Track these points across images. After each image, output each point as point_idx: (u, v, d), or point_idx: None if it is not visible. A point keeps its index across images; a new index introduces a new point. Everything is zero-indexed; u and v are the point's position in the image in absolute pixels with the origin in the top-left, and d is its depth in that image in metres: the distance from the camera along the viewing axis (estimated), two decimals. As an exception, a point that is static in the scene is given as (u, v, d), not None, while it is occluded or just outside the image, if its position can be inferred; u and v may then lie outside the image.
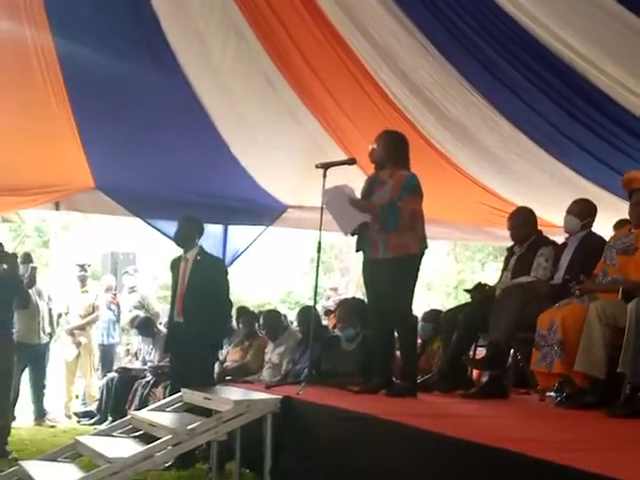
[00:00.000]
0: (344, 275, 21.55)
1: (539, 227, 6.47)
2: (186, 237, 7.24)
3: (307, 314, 7.25)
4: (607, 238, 5.74)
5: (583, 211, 6.02)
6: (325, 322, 9.52)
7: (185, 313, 7.05)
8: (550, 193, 8.28)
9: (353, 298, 7.54)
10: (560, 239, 6.26)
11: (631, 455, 3.58)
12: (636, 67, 5.94)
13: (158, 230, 9.54)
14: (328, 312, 10.65)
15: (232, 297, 7.52)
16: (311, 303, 6.56)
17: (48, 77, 7.74)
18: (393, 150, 5.84)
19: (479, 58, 6.64)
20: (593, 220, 6.04)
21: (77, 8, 7.27)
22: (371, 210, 5.73)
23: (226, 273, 7.32)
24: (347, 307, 7.08)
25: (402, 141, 5.93)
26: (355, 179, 6.15)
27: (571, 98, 6.61)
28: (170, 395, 6.86)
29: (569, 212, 6.04)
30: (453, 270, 22.82)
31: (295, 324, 8.44)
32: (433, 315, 7.43)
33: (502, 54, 6.44)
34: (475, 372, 6.77)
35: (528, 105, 6.97)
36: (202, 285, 7.01)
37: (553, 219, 7.88)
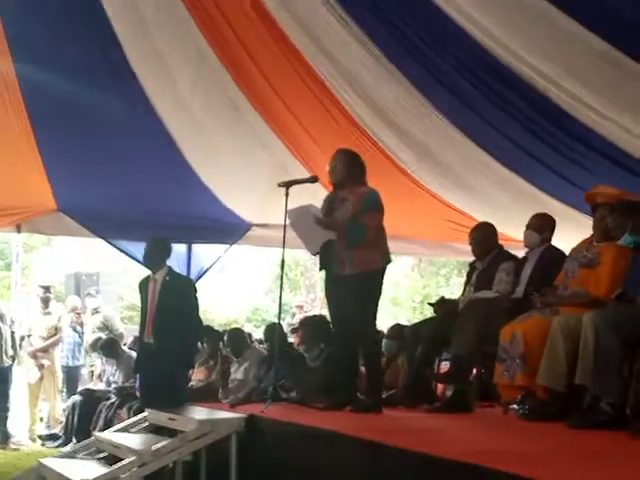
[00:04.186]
0: (310, 292, 21.56)
1: (500, 242, 6.56)
2: (154, 258, 7.22)
3: (273, 331, 7.25)
4: (567, 251, 5.82)
5: (542, 225, 6.09)
6: (291, 339, 9.52)
7: (155, 334, 7.00)
8: (510, 208, 8.37)
9: (314, 316, 7.55)
10: (521, 253, 6.33)
11: (592, 466, 3.63)
12: (596, 84, 6.02)
13: (121, 251, 9.51)
14: (294, 330, 10.66)
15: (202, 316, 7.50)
16: (276, 321, 6.58)
17: (9, 99, 7.71)
18: (353, 169, 5.90)
19: (441, 79, 6.70)
20: (552, 234, 6.11)
21: (37, 32, 7.24)
22: (336, 228, 5.77)
23: (195, 292, 7.30)
24: (310, 327, 7.08)
25: (359, 159, 6.01)
26: (317, 197, 6.18)
27: (531, 116, 6.68)
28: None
29: (528, 227, 6.12)
30: (418, 285, 22.91)
31: (262, 341, 8.44)
32: (397, 331, 7.46)
33: (463, 74, 6.49)
34: (439, 386, 6.82)
35: (489, 123, 7.05)
36: (172, 305, 6.97)
37: (514, 234, 7.96)
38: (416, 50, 6.51)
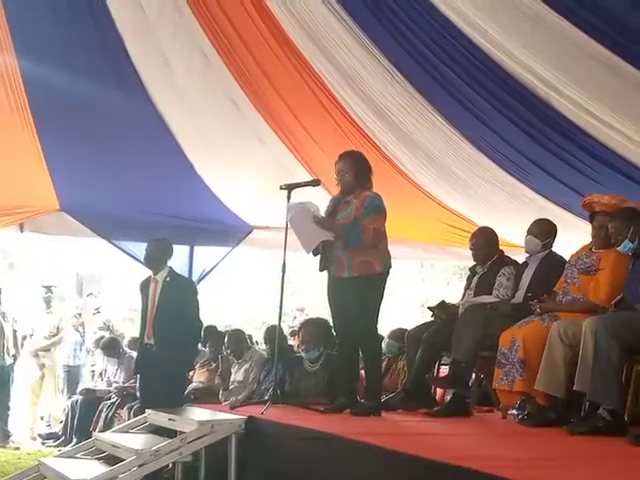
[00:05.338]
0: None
1: (501, 247, 6.57)
2: (156, 259, 7.22)
3: (273, 333, 7.26)
4: (568, 258, 5.83)
5: (543, 231, 6.09)
6: (291, 342, 9.54)
7: (155, 335, 7.01)
8: (511, 213, 8.38)
9: (317, 318, 7.56)
10: (522, 259, 6.34)
11: (591, 472, 3.65)
12: (598, 92, 6.04)
13: (124, 251, 9.51)
14: (294, 332, 10.67)
15: (203, 318, 7.48)
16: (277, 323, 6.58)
17: (12, 97, 7.72)
18: (362, 175, 5.90)
19: (442, 83, 6.70)
20: (553, 240, 6.11)
21: (42, 29, 7.26)
22: (334, 229, 5.77)
23: (196, 294, 7.30)
24: (311, 328, 7.09)
25: (367, 163, 5.99)
26: (319, 200, 6.19)
27: (533, 122, 6.70)
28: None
29: (529, 232, 6.11)
30: (419, 288, 22.90)
31: (261, 344, 8.45)
32: (399, 333, 7.47)
33: (465, 79, 6.50)
34: (439, 390, 6.84)
35: (490, 128, 7.05)
36: (172, 306, 6.98)
37: (515, 239, 7.97)
38: (417, 53, 6.53)
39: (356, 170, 5.88)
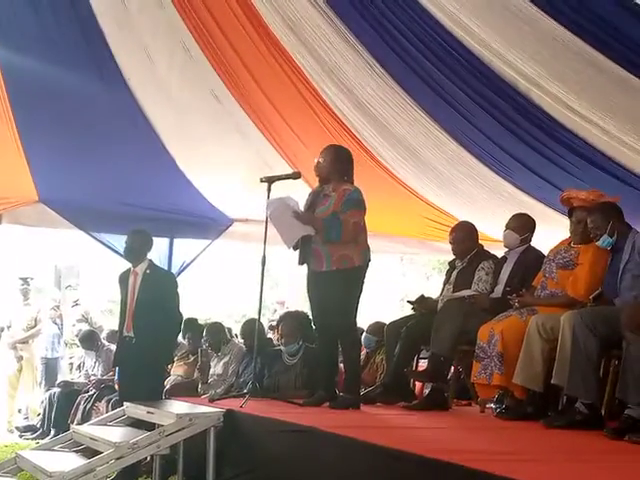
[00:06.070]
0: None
1: (480, 241, 6.58)
2: (135, 251, 7.16)
3: (251, 327, 7.25)
4: (547, 252, 5.85)
5: (522, 226, 6.11)
6: (270, 335, 9.52)
7: (135, 327, 6.96)
8: (491, 208, 8.41)
9: (296, 312, 7.56)
10: (501, 253, 6.36)
11: (567, 465, 3.67)
12: (577, 86, 6.06)
13: (103, 244, 9.46)
14: (273, 326, 10.66)
15: (183, 311, 7.45)
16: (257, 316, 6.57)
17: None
18: (339, 165, 5.89)
19: (423, 77, 6.71)
20: (532, 235, 6.14)
21: (21, 19, 7.21)
22: (314, 223, 5.77)
23: (176, 286, 7.26)
24: (290, 322, 7.09)
25: (348, 156, 6.00)
26: (299, 193, 6.19)
27: (513, 116, 6.72)
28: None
29: (508, 227, 6.13)
30: (399, 282, 22.95)
31: (239, 337, 8.44)
32: (378, 327, 7.49)
33: (446, 73, 6.51)
34: (417, 384, 6.85)
35: (471, 123, 7.07)
36: (152, 299, 6.92)
37: (494, 234, 8.00)
38: (400, 48, 6.53)
39: (332, 159, 5.88)
